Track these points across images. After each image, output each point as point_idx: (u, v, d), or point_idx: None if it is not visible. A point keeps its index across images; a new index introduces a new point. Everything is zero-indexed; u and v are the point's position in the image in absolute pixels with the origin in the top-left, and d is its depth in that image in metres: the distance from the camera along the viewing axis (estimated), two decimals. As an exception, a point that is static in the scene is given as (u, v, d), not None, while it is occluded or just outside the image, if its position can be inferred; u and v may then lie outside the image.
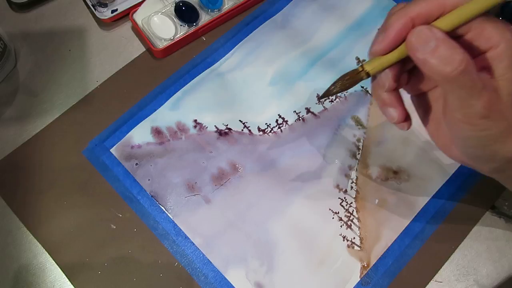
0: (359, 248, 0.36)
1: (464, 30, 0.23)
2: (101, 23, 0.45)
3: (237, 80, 0.42)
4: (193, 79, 0.42)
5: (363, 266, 0.36)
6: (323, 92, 0.27)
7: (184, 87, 0.41)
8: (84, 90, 0.42)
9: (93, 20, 0.45)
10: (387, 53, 0.24)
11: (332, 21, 0.45)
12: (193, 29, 0.43)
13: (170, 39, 0.42)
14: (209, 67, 0.43)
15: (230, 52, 0.43)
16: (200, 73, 0.42)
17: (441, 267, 0.36)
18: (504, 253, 0.37)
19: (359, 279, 0.36)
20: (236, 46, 0.43)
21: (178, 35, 0.43)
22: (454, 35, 0.23)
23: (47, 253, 0.36)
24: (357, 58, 0.43)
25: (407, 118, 0.26)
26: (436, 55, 0.21)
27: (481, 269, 0.36)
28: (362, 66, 0.25)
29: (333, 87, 0.26)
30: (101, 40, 0.45)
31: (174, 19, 0.43)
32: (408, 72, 0.27)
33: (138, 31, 0.43)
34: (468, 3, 0.22)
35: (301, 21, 0.45)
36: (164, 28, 0.43)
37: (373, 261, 0.36)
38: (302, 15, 0.45)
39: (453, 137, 0.25)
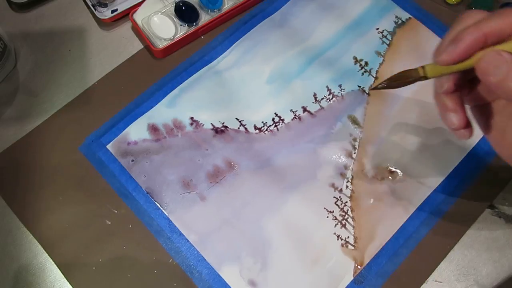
0: (353, 247, 0.36)
1: None
2: (101, 23, 0.45)
3: (234, 78, 0.42)
4: (190, 76, 0.42)
5: (357, 265, 0.36)
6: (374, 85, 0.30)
7: (181, 84, 0.42)
8: (84, 90, 0.42)
9: (93, 20, 0.46)
10: (454, 64, 0.24)
11: (330, 21, 0.45)
12: (193, 29, 0.43)
13: (170, 39, 0.43)
14: (207, 65, 0.43)
15: (228, 50, 0.43)
16: (198, 70, 0.42)
17: (436, 267, 0.36)
18: (504, 253, 0.37)
19: (352, 278, 0.36)
20: (234, 45, 0.44)
21: (178, 35, 0.43)
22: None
23: (45, 251, 0.36)
24: (355, 58, 0.43)
25: (467, 125, 0.26)
26: (509, 79, 0.22)
27: (481, 269, 0.36)
28: (423, 68, 0.26)
29: (385, 83, 0.27)
30: (101, 40, 0.45)
31: (174, 19, 0.43)
32: (469, 81, 0.26)
33: (138, 31, 0.43)
34: None
35: (299, 20, 0.45)
36: (164, 28, 0.43)
37: (366, 261, 0.36)
38: (301, 14, 0.45)
39: None
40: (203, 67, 0.42)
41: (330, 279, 0.35)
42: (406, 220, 0.37)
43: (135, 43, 0.44)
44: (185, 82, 0.42)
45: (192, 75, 0.42)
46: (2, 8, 0.46)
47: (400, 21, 0.45)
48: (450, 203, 0.38)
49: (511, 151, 0.26)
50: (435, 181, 0.39)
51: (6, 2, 0.46)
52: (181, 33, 0.43)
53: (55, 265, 0.36)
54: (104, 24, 0.45)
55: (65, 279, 0.36)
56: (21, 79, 0.43)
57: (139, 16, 0.43)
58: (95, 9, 0.44)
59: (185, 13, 0.43)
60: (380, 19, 0.45)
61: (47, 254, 0.36)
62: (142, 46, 0.44)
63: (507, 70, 0.22)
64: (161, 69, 0.43)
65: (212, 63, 0.43)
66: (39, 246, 0.37)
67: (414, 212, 0.38)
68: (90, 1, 0.44)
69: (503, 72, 0.22)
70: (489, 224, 0.38)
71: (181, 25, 0.43)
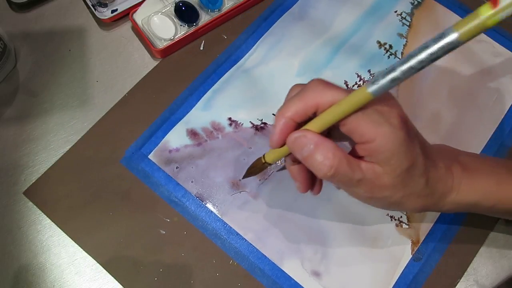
0: (407, 226, 0.37)
1: (342, 123, 0.25)
2: (101, 23, 0.45)
3: (263, 74, 0.42)
4: (220, 78, 0.42)
5: (414, 242, 0.37)
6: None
7: (213, 86, 0.42)
8: (84, 90, 0.42)
9: (93, 20, 0.45)
10: (281, 146, 0.27)
11: (349, 8, 0.45)
12: (193, 29, 0.43)
13: (170, 39, 0.42)
14: (234, 64, 0.43)
15: (253, 48, 0.43)
16: (227, 71, 0.42)
17: (488, 234, 0.37)
18: (504, 253, 0.37)
19: (411, 256, 0.36)
20: (258, 42, 0.44)
21: (178, 35, 0.43)
22: (335, 125, 0.25)
23: (104, 268, 0.36)
24: (379, 42, 0.44)
25: (313, 186, 0.31)
26: (311, 160, 0.25)
27: (481, 269, 0.37)
28: (264, 157, 0.31)
29: (245, 174, 0.34)
30: (101, 40, 0.44)
31: (174, 19, 0.43)
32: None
33: (138, 31, 0.43)
34: (337, 104, 0.24)
35: (319, 11, 0.45)
36: (164, 28, 0.43)
37: (422, 237, 0.37)
38: (319, 5, 0.45)
39: None
40: (231, 67, 0.42)
41: (389, 259, 0.36)
42: (453, 194, 0.38)
43: (135, 43, 0.44)
44: (216, 84, 0.42)
45: (222, 76, 0.42)
46: (2, 8, 0.45)
47: (416, 2, 0.46)
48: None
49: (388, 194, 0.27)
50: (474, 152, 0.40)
51: (6, 2, 0.45)
52: (181, 33, 0.43)
53: (55, 265, 0.36)
54: (104, 24, 0.45)
55: (65, 279, 0.36)
56: (21, 79, 0.42)
57: (139, 16, 0.43)
58: (95, 9, 0.44)
59: (185, 13, 0.43)
60: (397, 2, 0.46)
61: (47, 254, 0.36)
62: (142, 46, 0.44)
63: (311, 151, 0.25)
64: (189, 74, 0.42)
65: (240, 62, 0.43)
66: (39, 246, 0.36)
67: (459, 185, 0.39)
68: (90, 1, 0.44)
69: (308, 152, 0.25)
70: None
71: (181, 25, 0.43)
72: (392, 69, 0.21)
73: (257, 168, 0.33)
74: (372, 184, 0.26)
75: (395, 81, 0.21)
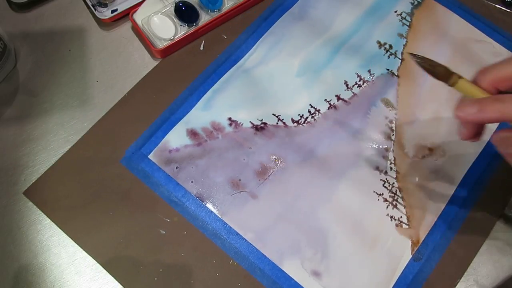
0: (407, 226, 0.37)
1: None
2: (101, 23, 0.45)
3: (263, 74, 0.42)
4: (220, 78, 0.42)
5: (413, 242, 0.37)
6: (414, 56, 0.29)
7: (213, 86, 0.42)
8: (84, 90, 0.42)
9: (93, 20, 0.45)
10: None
11: (349, 8, 0.45)
12: (193, 29, 0.43)
13: (170, 39, 0.42)
14: (234, 64, 0.43)
15: (253, 48, 0.43)
16: (227, 71, 0.42)
17: (488, 234, 0.37)
18: (504, 253, 0.37)
19: (411, 256, 0.36)
20: (258, 42, 0.44)
21: (178, 35, 0.43)
22: None
23: (103, 268, 0.36)
24: (378, 42, 0.44)
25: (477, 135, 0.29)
26: None
27: (481, 269, 0.37)
28: (459, 78, 0.28)
29: (420, 60, 0.28)
30: (101, 40, 0.44)
31: (174, 19, 0.43)
32: None
33: (138, 31, 0.43)
34: None
35: (319, 11, 0.45)
36: (164, 28, 0.43)
37: (422, 237, 0.37)
38: (319, 5, 0.45)
39: None
40: (231, 67, 0.42)
41: (389, 259, 0.36)
42: (453, 193, 0.38)
43: (135, 43, 0.44)
44: (216, 84, 0.42)
45: (222, 76, 0.42)
46: (2, 8, 0.46)
47: (416, 2, 0.46)
48: (492, 171, 0.39)
49: None
50: (474, 152, 0.40)
51: (6, 2, 0.46)
52: (181, 33, 0.43)
53: (55, 265, 0.36)
54: (104, 24, 0.45)
55: (65, 279, 0.36)
56: (21, 79, 0.42)
57: (139, 16, 0.43)
58: (95, 9, 0.44)
59: (185, 13, 0.43)
60: (397, 2, 0.46)
61: (47, 254, 0.36)
62: (142, 46, 0.44)
63: None
64: (189, 74, 0.42)
65: (239, 62, 0.43)
66: (39, 246, 0.36)
67: (459, 184, 0.39)
68: (90, 1, 0.44)
69: None
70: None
71: (181, 25, 0.43)
72: None
73: (438, 73, 0.28)
74: None
75: None
